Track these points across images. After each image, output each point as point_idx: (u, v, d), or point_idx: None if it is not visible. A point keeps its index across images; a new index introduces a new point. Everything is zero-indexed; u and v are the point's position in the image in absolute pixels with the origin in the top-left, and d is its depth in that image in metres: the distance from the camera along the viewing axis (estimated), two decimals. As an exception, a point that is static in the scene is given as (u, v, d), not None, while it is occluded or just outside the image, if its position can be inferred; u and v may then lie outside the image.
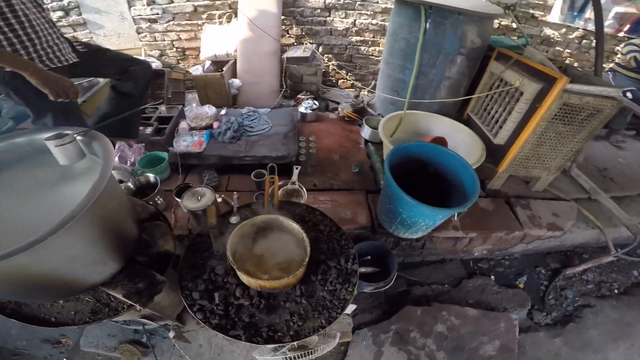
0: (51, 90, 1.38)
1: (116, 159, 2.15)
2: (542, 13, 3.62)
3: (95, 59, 1.78)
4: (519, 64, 2.11)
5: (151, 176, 2.00)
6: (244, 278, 1.16)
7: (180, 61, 4.21)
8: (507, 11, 3.17)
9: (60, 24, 3.63)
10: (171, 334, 1.51)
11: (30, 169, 1.15)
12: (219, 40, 3.62)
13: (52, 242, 0.80)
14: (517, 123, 2.06)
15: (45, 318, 1.16)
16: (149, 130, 2.36)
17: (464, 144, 2.27)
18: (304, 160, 2.42)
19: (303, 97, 3.46)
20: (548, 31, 3.72)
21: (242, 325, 1.15)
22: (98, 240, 1.04)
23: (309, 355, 1.43)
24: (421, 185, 1.79)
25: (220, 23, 3.74)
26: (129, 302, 1.12)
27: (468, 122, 2.48)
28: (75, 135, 1.06)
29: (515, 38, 3.27)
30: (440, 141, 2.15)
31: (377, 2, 3.64)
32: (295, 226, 1.24)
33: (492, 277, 2.51)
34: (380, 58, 3.74)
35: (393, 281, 1.97)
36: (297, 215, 1.50)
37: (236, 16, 3.60)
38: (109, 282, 1.15)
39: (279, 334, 1.14)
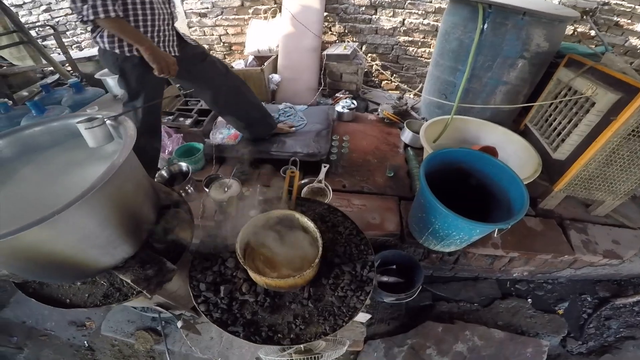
0: (158, 66, 1.54)
1: None
2: (629, 21, 3.15)
3: (192, 61, 1.89)
4: (593, 72, 1.86)
5: (183, 165, 2.06)
6: (251, 274, 1.11)
7: (226, 56, 4.30)
8: (585, 16, 2.78)
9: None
10: (179, 324, 1.50)
11: (64, 151, 1.21)
12: (262, 35, 3.65)
13: (63, 219, 0.81)
14: (583, 137, 1.83)
15: (61, 299, 1.19)
16: (188, 121, 2.49)
17: (516, 157, 2.05)
18: (335, 160, 2.36)
19: (341, 95, 3.38)
20: (635, 41, 3.24)
21: (243, 322, 1.11)
22: (111, 221, 1.03)
23: (315, 359, 1.35)
24: (460, 197, 1.63)
25: (265, 18, 3.76)
26: (138, 288, 1.11)
27: (524, 134, 2.26)
28: (104, 120, 1.10)
29: (593, 46, 2.88)
30: (490, 151, 1.95)
31: (430, 2, 3.42)
32: (310, 224, 1.17)
33: (529, 300, 2.31)
34: (430, 60, 3.57)
35: (416, 294, 1.84)
36: (317, 214, 1.43)
37: (280, 11, 3.60)
38: (121, 267, 1.15)
39: (279, 335, 1.08)
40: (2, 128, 2.44)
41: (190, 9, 3.87)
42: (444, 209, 1.41)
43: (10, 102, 2.63)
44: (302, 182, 1.92)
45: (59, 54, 3.56)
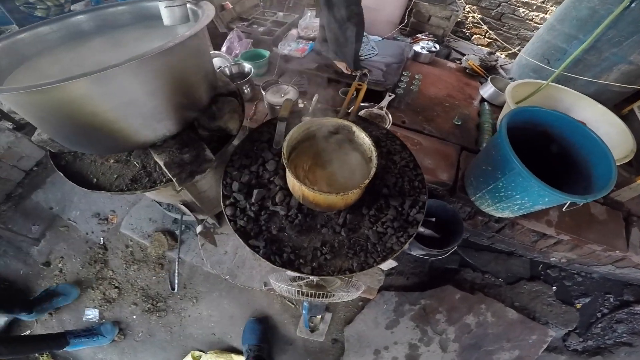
0: None
1: (224, 48, 2.31)
2: None
3: None
4: None
5: (247, 66, 2.03)
6: (290, 179, 0.98)
7: None
8: None
9: None
10: (198, 229, 1.43)
11: (139, 29, 1.24)
12: None
13: (113, 78, 0.78)
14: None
15: (89, 177, 1.13)
16: (261, 29, 2.45)
17: (608, 138, 1.81)
18: (401, 94, 2.21)
19: (424, 37, 3.06)
20: None
21: (266, 236, 1.00)
22: (162, 91, 0.92)
23: (324, 297, 1.26)
24: (534, 161, 1.47)
25: None
26: (168, 172, 1.01)
27: (625, 119, 2.04)
28: (186, 1, 1.09)
29: None
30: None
31: None
32: (367, 140, 1.00)
33: (554, 287, 2.21)
34: (540, 25, 3.34)
35: (448, 254, 1.69)
36: (374, 136, 1.25)
37: None
38: (159, 145, 1.06)
39: (301, 260, 0.97)
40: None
41: None
42: (519, 165, 1.23)
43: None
44: (362, 104, 1.76)
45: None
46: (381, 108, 1.70)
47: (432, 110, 2.26)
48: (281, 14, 2.74)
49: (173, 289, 1.99)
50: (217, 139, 1.15)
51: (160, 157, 1.01)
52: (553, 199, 1.30)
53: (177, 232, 2.04)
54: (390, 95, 1.73)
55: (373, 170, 0.91)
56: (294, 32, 2.53)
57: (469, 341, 1.86)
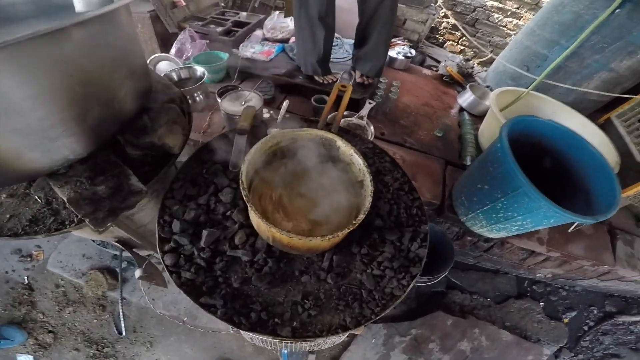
0: None
1: (174, 50, 1.99)
2: None
3: None
4: None
5: (199, 69, 1.71)
6: (254, 218, 0.72)
7: None
8: None
9: None
10: (137, 273, 1.10)
11: (46, 21, 0.96)
12: None
13: None
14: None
15: None
16: (219, 29, 2.14)
17: None
18: (379, 102, 2.00)
19: (399, 42, 2.90)
20: None
21: (225, 291, 0.73)
22: (53, 93, 0.62)
23: (304, 343, 1.00)
24: (528, 176, 1.32)
25: None
26: (77, 212, 0.71)
27: (604, 128, 2.03)
28: None
29: None
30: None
31: None
32: (357, 159, 0.77)
33: (542, 303, 2.16)
34: (514, 32, 3.36)
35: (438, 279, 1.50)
36: (359, 152, 1.02)
37: None
38: (62, 173, 0.75)
39: (276, 320, 0.72)
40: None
41: None
42: (527, 184, 1.08)
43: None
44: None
45: None
46: (361, 117, 1.47)
47: (412, 120, 2.10)
48: (244, 13, 2.45)
49: (120, 333, 1.71)
50: (153, 160, 0.85)
51: (62, 190, 0.71)
52: (560, 219, 1.15)
53: (118, 270, 1.70)
54: (370, 103, 1.50)
55: (369, 199, 0.67)
56: (258, 33, 2.26)
57: (466, 369, 1.71)
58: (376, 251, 0.82)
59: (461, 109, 2.36)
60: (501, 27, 3.43)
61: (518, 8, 3.24)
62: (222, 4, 2.53)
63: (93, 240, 1.73)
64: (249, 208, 0.64)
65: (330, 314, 0.74)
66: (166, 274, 0.75)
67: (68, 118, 0.67)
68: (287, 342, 1.05)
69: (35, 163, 0.68)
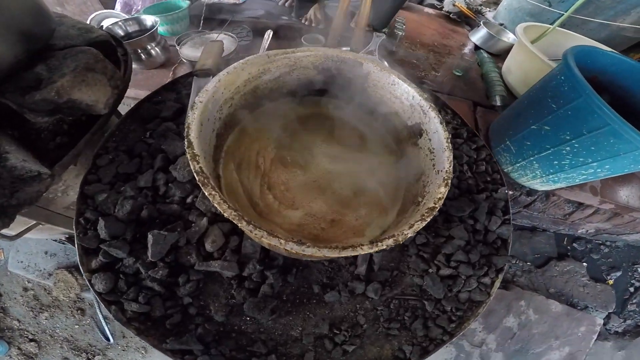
0: None
1: (119, 5, 1.65)
2: None
3: None
4: None
5: (148, 19, 1.38)
6: (227, 212, 0.33)
7: None
8: None
9: None
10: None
11: None
12: None
13: None
14: None
15: None
16: None
17: None
18: (384, 40, 1.67)
19: None
20: None
21: (202, 330, 0.45)
22: None
23: None
24: None
25: None
26: None
27: None
28: None
29: None
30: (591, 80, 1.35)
31: None
32: (406, 88, 0.46)
33: (585, 264, 1.94)
34: None
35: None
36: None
37: None
38: None
39: None
40: None
41: None
42: (618, 120, 0.76)
43: None
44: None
45: None
46: (371, 53, 1.18)
47: (424, 60, 1.86)
48: None
49: (107, 339, 1.50)
50: (71, 129, 0.52)
51: None
52: None
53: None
54: (378, 36, 1.20)
55: (448, 159, 0.36)
56: None
57: (513, 347, 1.56)
58: (439, 237, 0.51)
59: (476, 47, 2.15)
60: None
61: None
62: None
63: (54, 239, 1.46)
64: (211, 199, 0.31)
65: (378, 344, 0.46)
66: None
67: None
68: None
69: None
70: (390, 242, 0.32)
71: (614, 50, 1.17)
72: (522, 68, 1.63)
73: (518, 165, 1.15)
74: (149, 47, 1.28)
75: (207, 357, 0.42)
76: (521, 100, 1.20)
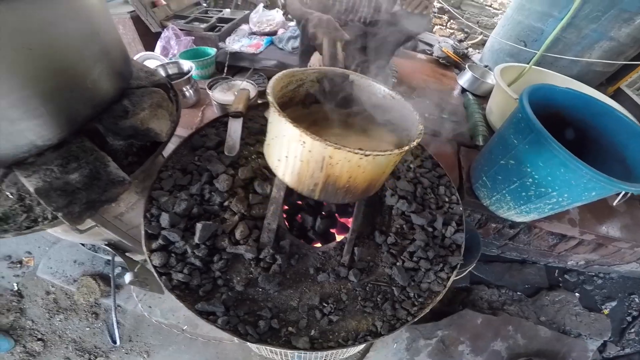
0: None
1: (158, 49, 1.95)
2: None
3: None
4: None
5: (186, 63, 1.65)
6: (288, 128, 0.52)
7: None
8: None
9: None
10: (127, 278, 1.00)
11: None
12: None
13: None
14: None
15: None
16: (203, 25, 2.12)
17: None
18: None
19: None
20: None
21: (226, 296, 0.63)
22: (13, 64, 0.54)
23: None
24: None
25: None
26: (46, 205, 0.62)
27: (615, 99, 2.01)
28: None
29: None
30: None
31: None
32: (377, 87, 0.68)
33: (577, 294, 2.04)
34: (498, 11, 3.43)
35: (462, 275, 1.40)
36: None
37: None
38: (30, 162, 0.64)
39: (290, 329, 0.62)
40: None
41: None
42: (563, 152, 0.98)
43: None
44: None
45: None
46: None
47: (416, 105, 2.03)
48: (228, 10, 2.44)
49: (114, 342, 1.65)
50: (139, 151, 0.75)
51: (30, 180, 0.61)
52: (604, 190, 1.04)
53: (111, 276, 1.62)
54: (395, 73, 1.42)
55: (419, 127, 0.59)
56: (244, 27, 2.26)
57: (502, 370, 1.61)
58: (405, 240, 0.71)
59: (463, 90, 2.35)
60: (487, 7, 3.48)
61: (499, -15, 3.26)
62: (205, 3, 2.53)
63: (83, 245, 1.65)
64: (285, 123, 0.50)
65: (356, 318, 0.64)
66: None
67: (30, 96, 0.57)
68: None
69: (15, 147, 0.60)
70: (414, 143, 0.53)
71: (570, 87, 1.36)
72: (500, 108, 1.75)
73: (494, 199, 1.36)
74: (185, 89, 1.58)
75: (225, 318, 0.60)
76: (493, 137, 1.43)
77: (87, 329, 1.70)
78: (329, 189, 0.58)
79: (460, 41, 2.93)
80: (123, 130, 0.69)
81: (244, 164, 0.77)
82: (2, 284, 1.79)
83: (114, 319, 1.61)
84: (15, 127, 0.58)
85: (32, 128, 0.60)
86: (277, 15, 2.34)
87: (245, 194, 0.71)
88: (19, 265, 1.84)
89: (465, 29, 3.52)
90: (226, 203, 0.69)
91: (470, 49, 3.11)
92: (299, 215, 0.83)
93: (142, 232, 0.65)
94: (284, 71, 0.63)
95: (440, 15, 3.48)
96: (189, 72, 1.59)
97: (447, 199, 0.79)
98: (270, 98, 0.53)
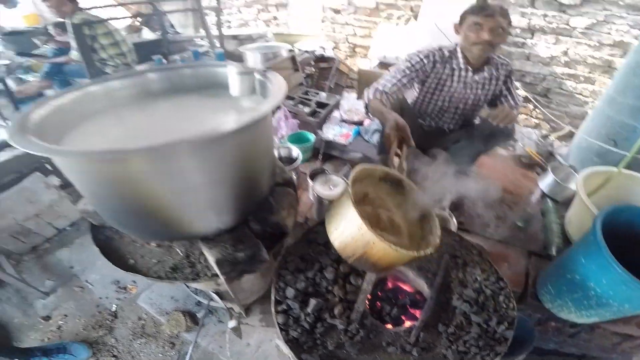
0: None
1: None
2: None
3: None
4: None
5: (295, 150, 2.04)
6: (353, 218, 0.83)
7: (348, 57, 4.43)
8: None
9: (269, 1, 4.52)
10: (231, 324, 1.36)
11: (204, 97, 1.24)
12: (391, 41, 3.60)
13: (171, 157, 0.76)
14: None
15: (126, 259, 1.12)
16: (306, 109, 2.51)
17: None
18: None
19: None
20: None
21: (321, 352, 0.92)
22: (225, 180, 0.91)
23: None
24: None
25: (397, 24, 3.75)
26: (218, 270, 0.97)
27: None
28: (254, 71, 1.13)
29: None
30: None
31: (609, 33, 2.95)
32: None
33: None
34: (589, 99, 3.32)
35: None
36: (446, 244, 1.23)
37: (416, 19, 3.56)
38: (211, 239, 1.02)
39: None
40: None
41: (329, 5, 4.12)
42: (627, 277, 1.12)
43: (165, 60, 3.30)
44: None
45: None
46: (443, 208, 1.60)
47: (491, 210, 2.06)
48: (324, 94, 2.82)
49: None
50: (269, 235, 1.12)
51: (211, 252, 0.98)
52: None
53: (199, 316, 1.96)
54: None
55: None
56: (336, 114, 2.60)
57: None
58: (462, 331, 0.97)
59: (543, 194, 2.28)
60: (576, 95, 3.37)
61: (590, 72, 3.20)
62: (304, 84, 2.95)
63: (187, 285, 1.95)
64: (352, 209, 0.81)
65: None
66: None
67: (232, 197, 0.95)
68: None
69: (199, 228, 0.98)
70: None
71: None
72: (580, 220, 1.73)
73: (556, 304, 1.49)
74: (292, 173, 1.85)
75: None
76: (565, 254, 1.52)
77: (160, 355, 1.91)
78: (361, 260, 0.88)
79: (545, 136, 2.91)
80: (268, 223, 1.08)
81: (344, 261, 1.06)
82: (104, 303, 2.12)
83: (189, 353, 1.84)
84: (209, 217, 0.97)
85: (221, 218, 0.99)
86: (364, 105, 2.63)
87: (344, 283, 1.03)
88: (123, 291, 2.20)
89: (550, 122, 3.46)
90: (330, 288, 1.02)
91: (555, 141, 3.02)
92: (379, 303, 1.13)
93: (272, 298, 1.00)
94: (359, 167, 0.97)
95: (525, 104, 3.47)
96: (297, 159, 1.94)
97: (504, 306, 1.03)
98: (349, 189, 0.86)
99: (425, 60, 1.72)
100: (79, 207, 1.18)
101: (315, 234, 1.17)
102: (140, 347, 1.97)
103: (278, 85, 1.01)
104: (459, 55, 1.72)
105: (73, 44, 3.18)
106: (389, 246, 0.79)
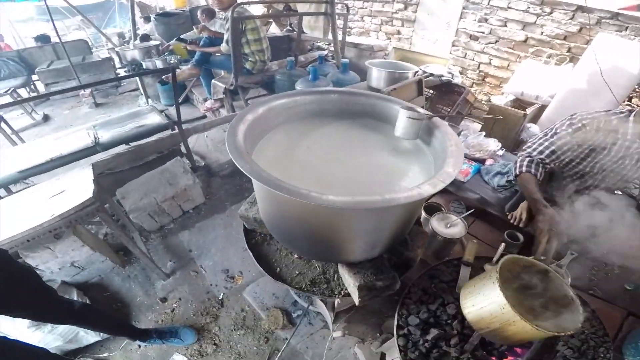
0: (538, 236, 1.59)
1: None
2: None
3: None
4: None
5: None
6: (497, 302, 1.02)
7: (474, 84, 4.52)
8: None
9: (395, 15, 4.67)
10: (337, 334, 1.71)
11: (358, 127, 1.48)
12: (535, 79, 3.67)
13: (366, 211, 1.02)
14: None
15: (273, 266, 1.44)
16: None
17: None
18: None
19: None
20: None
21: None
22: (390, 227, 1.19)
23: None
24: None
25: (547, 63, 3.77)
26: (356, 293, 1.27)
27: None
28: (425, 116, 1.28)
29: None
30: None
31: None
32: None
33: None
34: None
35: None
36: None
37: (572, 61, 3.59)
38: (355, 264, 1.31)
39: None
40: (281, 82, 3.53)
41: (464, 28, 4.22)
42: None
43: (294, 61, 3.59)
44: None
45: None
46: (560, 266, 1.62)
47: (602, 269, 2.14)
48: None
49: None
50: (401, 267, 1.44)
51: (355, 278, 1.29)
52: None
53: (294, 315, 2.28)
54: (572, 254, 1.62)
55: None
56: None
57: None
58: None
59: None
60: None
61: None
62: (423, 107, 2.90)
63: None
64: (499, 291, 1.00)
65: None
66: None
67: (389, 238, 1.25)
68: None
69: (353, 256, 1.30)
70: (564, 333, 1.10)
71: None
72: None
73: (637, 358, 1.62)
74: None
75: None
76: None
77: (254, 348, 2.19)
78: (493, 334, 1.09)
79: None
80: (402, 257, 1.40)
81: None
82: (213, 290, 2.46)
83: (282, 349, 2.12)
84: (363, 250, 1.27)
85: (370, 252, 1.28)
86: (492, 144, 2.62)
87: (462, 319, 1.28)
88: (231, 280, 2.54)
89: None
90: (449, 321, 1.31)
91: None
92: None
93: (395, 322, 1.33)
94: (508, 257, 1.16)
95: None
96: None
97: (602, 355, 1.25)
98: (497, 276, 1.06)
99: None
100: (240, 212, 1.49)
101: (436, 271, 1.49)
102: (239, 338, 2.26)
103: (455, 144, 1.18)
104: (630, 124, 1.62)
105: (226, 35, 3.57)
106: (529, 324, 0.94)
